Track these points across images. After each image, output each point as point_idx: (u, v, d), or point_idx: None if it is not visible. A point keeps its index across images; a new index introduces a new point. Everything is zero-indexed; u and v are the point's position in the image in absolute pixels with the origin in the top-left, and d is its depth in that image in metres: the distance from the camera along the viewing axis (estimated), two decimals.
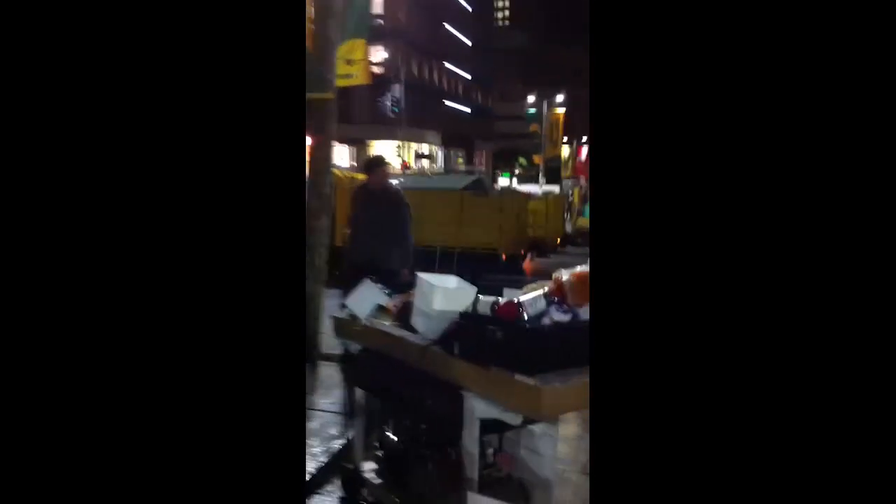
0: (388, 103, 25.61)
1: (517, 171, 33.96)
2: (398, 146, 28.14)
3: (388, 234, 4.66)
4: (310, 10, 5.01)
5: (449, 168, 32.57)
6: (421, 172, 24.48)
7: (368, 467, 2.78)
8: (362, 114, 25.62)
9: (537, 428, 2.48)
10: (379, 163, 5.05)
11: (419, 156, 29.79)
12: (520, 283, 2.47)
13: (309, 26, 4.92)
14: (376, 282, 2.86)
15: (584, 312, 2.23)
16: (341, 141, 22.27)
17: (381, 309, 2.74)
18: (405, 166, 26.83)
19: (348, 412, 3.04)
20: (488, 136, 44.59)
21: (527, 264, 10.92)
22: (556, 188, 21.43)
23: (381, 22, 27.84)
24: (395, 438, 2.65)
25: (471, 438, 2.24)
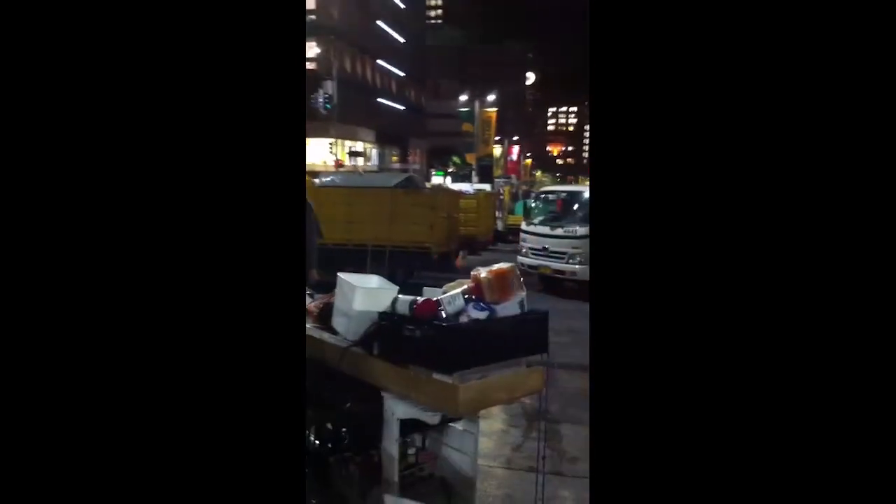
0: (321, 100, 25.18)
1: (450, 170, 34.16)
2: (331, 143, 27.73)
3: None
4: None
5: (383, 166, 32.37)
6: (354, 170, 24.24)
7: None
8: None
9: (459, 425, 2.49)
10: None
11: (352, 153, 29.42)
12: (451, 281, 2.48)
13: None
14: None
15: (501, 310, 2.26)
16: None
17: None
18: (339, 164, 26.44)
19: None
20: (422, 133, 44.58)
21: (458, 261, 10.99)
22: (487, 186, 21.65)
23: (313, 18, 27.37)
24: (317, 443, 2.62)
25: (390, 439, 2.23)
